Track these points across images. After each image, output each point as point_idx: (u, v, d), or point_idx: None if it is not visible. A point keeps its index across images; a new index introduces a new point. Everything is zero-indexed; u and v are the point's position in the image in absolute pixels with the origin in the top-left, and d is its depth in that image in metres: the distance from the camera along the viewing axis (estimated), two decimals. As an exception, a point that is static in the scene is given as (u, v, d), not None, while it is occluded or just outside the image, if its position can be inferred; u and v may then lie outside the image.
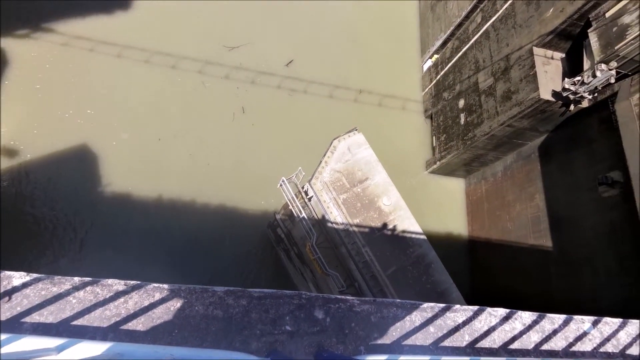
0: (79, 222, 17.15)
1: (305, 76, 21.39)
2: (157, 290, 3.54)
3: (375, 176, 13.03)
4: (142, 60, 20.01)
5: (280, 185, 13.46)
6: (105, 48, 19.83)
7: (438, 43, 22.30)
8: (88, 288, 3.20)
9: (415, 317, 4.04)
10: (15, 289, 3.01)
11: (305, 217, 13.27)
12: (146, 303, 3.42)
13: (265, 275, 18.00)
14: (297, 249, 15.75)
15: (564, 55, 15.99)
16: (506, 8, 17.23)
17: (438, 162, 20.64)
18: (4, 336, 2.59)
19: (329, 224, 12.62)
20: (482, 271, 19.46)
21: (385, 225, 12.25)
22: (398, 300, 4.13)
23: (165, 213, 17.75)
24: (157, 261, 17.18)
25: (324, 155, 12.92)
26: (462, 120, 19.48)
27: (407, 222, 12.33)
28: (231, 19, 21.84)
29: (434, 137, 21.64)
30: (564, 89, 14.36)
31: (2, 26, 18.95)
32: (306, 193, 13.28)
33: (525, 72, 15.85)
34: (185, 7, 21.48)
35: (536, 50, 15.67)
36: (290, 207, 13.66)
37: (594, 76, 13.22)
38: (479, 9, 19.34)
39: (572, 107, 15.05)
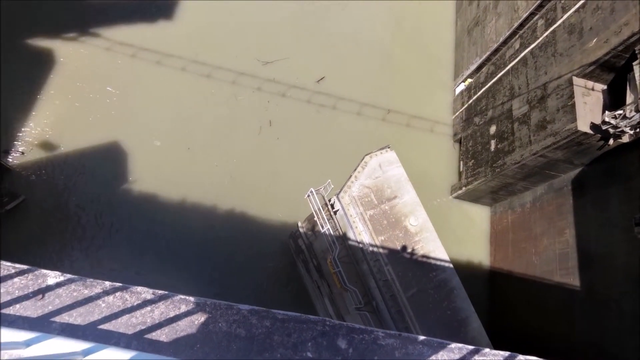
0: (102, 219, 17.54)
1: (335, 93, 21.56)
2: (183, 302, 3.56)
3: (404, 195, 12.86)
4: (179, 68, 20.58)
5: (308, 196, 13.42)
6: (146, 54, 20.56)
7: (472, 67, 22.17)
8: (117, 294, 3.25)
9: (442, 358, 3.84)
10: (49, 288, 3.07)
11: (330, 229, 13.15)
12: (171, 314, 3.45)
13: (282, 285, 17.90)
14: (317, 261, 15.58)
15: (605, 87, 15.60)
16: (547, 36, 17.03)
17: (464, 188, 20.28)
18: (33, 335, 2.65)
19: (353, 239, 12.46)
20: (501, 303, 18.81)
21: (410, 245, 12.00)
22: (425, 337, 3.96)
23: (188, 218, 17.99)
24: (176, 263, 17.31)
25: (355, 170, 12.85)
26: (493, 147, 19.16)
27: (432, 245, 12.06)
28: (268, 34, 22.32)
29: (461, 162, 21.34)
30: (604, 122, 13.95)
31: (53, 29, 20.11)
32: (332, 206, 13.19)
33: (563, 102, 15.52)
34: (225, 21, 22.12)
35: (576, 80, 15.35)
36: (315, 218, 13.57)
37: (637, 111, 12.83)
38: (517, 35, 19.19)
39: (611, 141, 14.58)
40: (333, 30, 23.19)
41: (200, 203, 18.28)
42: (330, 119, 21.02)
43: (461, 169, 21.16)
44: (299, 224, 16.42)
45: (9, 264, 3.09)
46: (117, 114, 19.21)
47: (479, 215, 20.95)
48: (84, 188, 17.77)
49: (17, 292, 2.96)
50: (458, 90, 23.05)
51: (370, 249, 12.01)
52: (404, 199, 12.95)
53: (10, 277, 3.01)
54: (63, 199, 17.52)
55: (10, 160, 17.58)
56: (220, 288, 17.12)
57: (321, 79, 21.67)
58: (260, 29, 22.30)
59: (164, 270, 17.11)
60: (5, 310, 2.86)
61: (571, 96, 15.17)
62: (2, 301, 2.94)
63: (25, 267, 3.10)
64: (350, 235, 12.66)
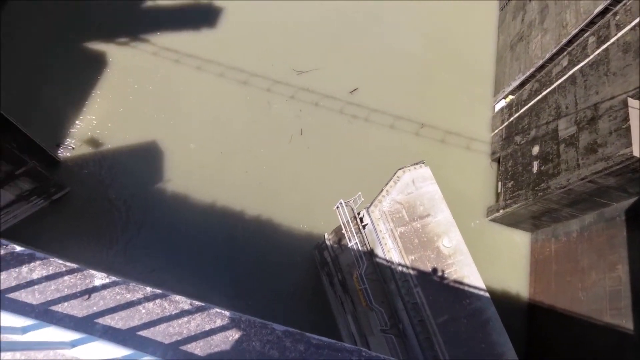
0: (136, 215, 17.86)
1: (368, 104, 21.14)
2: (218, 316, 3.55)
3: (437, 214, 12.15)
4: (218, 74, 20.81)
5: (337, 207, 12.92)
6: (188, 60, 21.06)
7: (515, 83, 21.20)
8: (157, 301, 3.28)
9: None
10: (95, 289, 3.11)
11: (357, 244, 12.57)
12: (207, 327, 3.47)
13: (303, 296, 17.43)
14: (342, 275, 14.99)
15: (663, 110, 14.40)
16: (598, 54, 16.00)
17: (502, 210, 19.16)
18: (78, 335, 2.76)
19: (381, 256, 11.83)
20: (540, 340, 17.32)
21: (442, 268, 11.24)
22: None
23: (216, 221, 17.99)
24: (202, 263, 17.27)
25: (386, 184, 12.28)
26: (535, 169, 18.06)
27: (466, 270, 11.25)
28: (305, 44, 22.29)
29: (499, 183, 20.25)
30: (663, 147, 12.81)
31: (107, 34, 21.14)
32: (361, 220, 12.65)
33: (616, 124, 14.42)
34: (265, 31, 22.31)
35: (631, 102, 14.24)
36: (343, 231, 13.05)
37: (703, 135, 11.66)
38: (565, 52, 18.19)
39: (670, 168, 13.37)
40: (369, 41, 22.92)
41: (229, 206, 18.20)
42: (362, 131, 20.56)
43: (499, 190, 20.09)
44: (326, 236, 15.93)
45: (60, 261, 3.16)
46: (157, 115, 19.67)
47: (518, 241, 19.72)
48: (122, 184, 18.33)
49: (66, 290, 3.04)
50: (498, 106, 22.08)
51: (399, 268, 11.34)
52: (437, 218, 12.24)
53: (61, 274, 3.09)
54: (103, 194, 18.17)
55: (60, 153, 18.53)
56: (242, 292, 16.91)
57: (354, 90, 21.32)
58: (297, 39, 22.33)
59: (190, 270, 17.11)
60: (53, 307, 2.97)
61: (626, 119, 14.06)
62: (52, 298, 3.02)
63: (74, 265, 3.17)
64: (379, 251, 12.04)
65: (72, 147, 18.76)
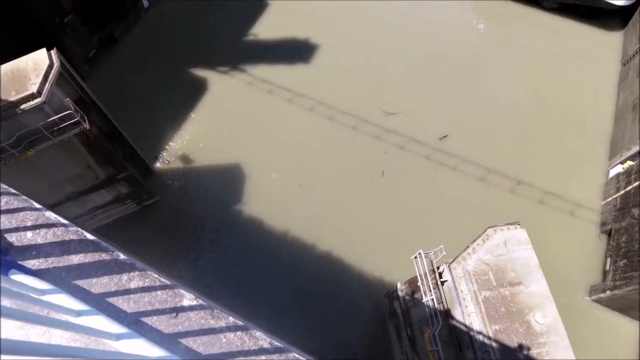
0: (211, 233, 18.56)
1: (458, 153, 20.20)
2: None
3: (531, 283, 10.95)
4: (307, 108, 21.46)
5: (415, 257, 12.24)
6: (280, 92, 22.07)
7: (636, 148, 18.97)
8: (238, 333, 3.21)
9: None
10: (182, 309, 3.10)
11: (433, 300, 11.70)
12: None
13: (367, 345, 16.53)
14: (411, 331, 13.99)
15: None
16: None
17: (609, 292, 16.73)
18: (163, 353, 2.83)
19: (460, 319, 10.84)
20: None
21: (531, 346, 9.97)
22: None
23: (287, 251, 18.03)
24: (266, 291, 17.29)
25: (473, 241, 11.41)
26: (653, 249, 15.72)
27: (561, 354, 9.86)
28: (396, 85, 22.21)
29: (608, 259, 17.85)
30: None
31: (210, 62, 23.03)
32: (441, 275, 11.81)
33: None
34: (356, 68, 22.70)
35: None
36: (419, 283, 12.26)
37: None
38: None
39: None
40: (466, 86, 22.18)
41: (302, 238, 18.21)
42: (449, 180, 19.62)
43: (607, 268, 17.67)
44: (398, 285, 15.12)
45: (155, 275, 3.23)
46: (245, 140, 20.62)
47: (627, 331, 16.97)
48: (204, 201, 19.30)
49: (157, 304, 3.09)
50: (613, 172, 19.80)
51: (480, 336, 10.26)
52: (530, 288, 11.01)
53: (155, 288, 3.15)
54: (186, 207, 19.25)
55: (156, 165, 20.16)
56: (304, 325, 16.53)
57: (444, 136, 20.59)
58: (389, 80, 22.37)
59: (254, 293, 17.21)
60: (144, 319, 3.03)
61: None
62: (144, 309, 3.08)
63: (168, 282, 3.21)
64: (457, 313, 11.06)
65: (166, 161, 20.32)
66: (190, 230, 18.70)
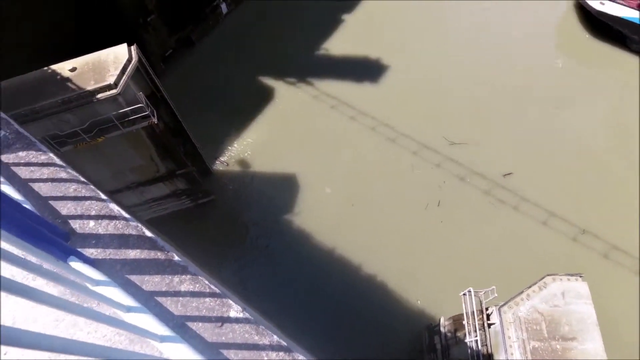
0: (259, 240, 18.79)
1: (521, 192, 19.12)
2: None
3: (586, 341, 10.04)
4: (369, 127, 21.30)
5: (464, 294, 11.63)
6: (344, 108, 22.09)
7: None
8: (281, 353, 3.07)
9: None
10: (228, 319, 3.02)
11: (477, 342, 11.02)
12: None
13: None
14: (449, 373, 13.26)
15: None
16: None
17: (671, 362, 15.14)
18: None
19: (504, 369, 10.11)
20: None
21: (583, 412, 9.07)
22: None
23: (330, 267, 17.82)
24: (304, 304, 17.15)
25: (529, 287, 10.67)
26: None
27: None
28: (464, 114, 21.55)
29: (674, 326, 16.13)
30: None
31: (279, 72, 23.60)
32: (489, 316, 11.12)
33: None
34: (424, 93, 22.28)
35: None
36: (464, 322, 11.62)
37: None
38: None
39: None
40: (537, 124, 20.99)
41: (347, 257, 17.95)
42: (508, 219, 18.58)
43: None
44: (441, 320, 14.43)
45: (206, 282, 3.18)
46: (303, 152, 20.80)
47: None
48: (257, 206, 19.66)
49: (204, 310, 3.04)
50: (689, 235, 17.99)
51: (526, 391, 9.50)
52: (584, 346, 10.10)
53: (204, 294, 3.10)
54: (238, 211, 19.68)
55: (216, 166, 20.79)
56: (337, 342, 16.16)
57: (508, 174, 19.60)
58: (457, 108, 21.74)
59: (292, 306, 17.10)
60: (189, 324, 2.98)
61: None
62: (190, 314, 3.03)
63: (217, 290, 3.16)
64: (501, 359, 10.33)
65: (226, 163, 20.88)
66: (238, 234, 19.05)
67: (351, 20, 25.68)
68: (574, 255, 17.53)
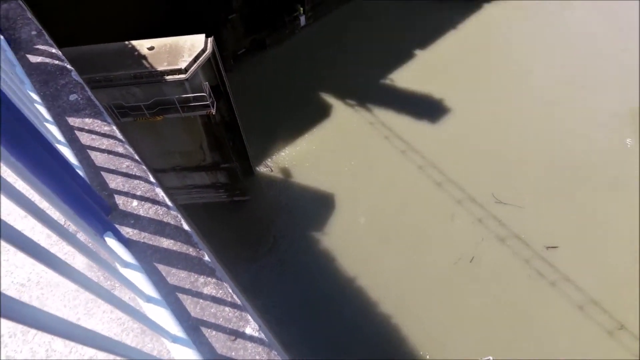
0: (281, 254, 18.66)
1: (563, 269, 18.02)
2: None
3: None
4: (417, 165, 20.92)
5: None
6: (396, 141, 21.87)
7: None
8: None
9: None
10: (243, 335, 2.86)
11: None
12: None
13: None
14: None
15: None
16: None
17: None
18: None
19: None
20: None
21: None
22: None
23: (346, 296, 17.46)
24: (313, 328, 16.82)
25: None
26: None
27: None
28: (518, 174, 20.73)
29: None
30: None
31: (341, 93, 23.76)
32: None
33: None
34: (483, 144, 21.68)
35: None
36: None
37: None
38: None
39: None
40: (594, 204, 19.79)
41: (366, 291, 17.51)
42: (542, 294, 17.51)
43: None
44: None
45: (230, 289, 3.07)
46: (347, 176, 20.72)
47: None
48: (288, 217, 19.66)
49: (221, 319, 2.92)
50: None
51: None
52: None
53: (225, 303, 2.98)
54: (269, 217, 19.75)
55: (259, 168, 21.06)
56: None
57: (553, 247, 18.55)
58: (513, 167, 20.94)
59: (298, 323, 16.83)
60: (203, 329, 2.85)
61: None
62: (207, 319, 2.90)
63: (238, 302, 3.03)
64: None
65: (270, 168, 21.09)
66: (263, 239, 19.10)
67: (423, 56, 25.60)
68: (607, 349, 16.23)
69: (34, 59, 4.35)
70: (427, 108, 23.10)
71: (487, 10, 27.91)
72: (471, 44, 26.00)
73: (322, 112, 23.02)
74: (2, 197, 1.54)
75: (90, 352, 2.65)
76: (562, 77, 24.33)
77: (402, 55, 25.46)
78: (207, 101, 14.29)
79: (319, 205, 19.76)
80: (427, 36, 26.29)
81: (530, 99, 23.47)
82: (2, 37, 4.38)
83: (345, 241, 18.69)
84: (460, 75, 24.55)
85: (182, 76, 13.54)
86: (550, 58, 25.21)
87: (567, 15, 27.38)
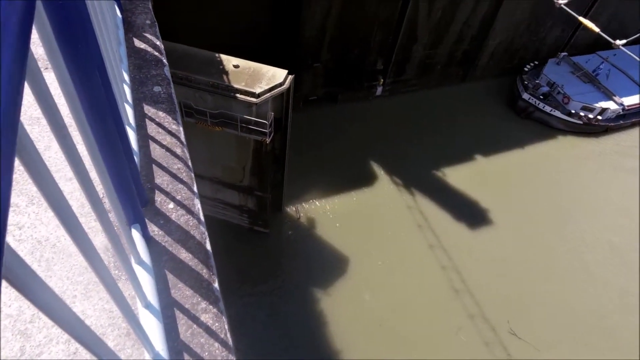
0: (283, 303, 18.15)
1: None
2: None
3: None
4: (441, 265, 20.30)
5: None
6: (429, 234, 21.41)
7: None
8: None
9: None
10: None
11: None
12: None
13: None
14: None
15: None
16: None
17: None
18: None
19: None
20: None
21: None
22: None
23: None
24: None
25: None
26: None
27: None
28: (543, 314, 19.54)
29: None
30: None
31: (391, 168, 23.85)
32: None
33: None
34: (512, 270, 20.81)
35: None
36: None
37: None
38: None
39: None
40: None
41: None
42: None
43: None
44: None
45: (226, 326, 2.95)
46: (368, 247, 20.34)
47: None
48: (298, 264, 19.38)
49: (206, 354, 2.75)
50: None
51: None
52: None
53: (216, 338, 2.83)
54: (281, 258, 19.60)
55: (289, 208, 21.08)
56: None
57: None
58: (537, 303, 19.83)
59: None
60: (186, 355, 2.70)
61: None
62: (193, 348, 2.76)
63: (230, 343, 2.86)
64: None
65: (298, 212, 21.06)
66: (267, 276, 18.75)
67: (482, 163, 25.50)
68: None
69: (138, 44, 4.65)
70: (469, 213, 22.66)
71: (560, 141, 27.76)
72: (532, 169, 25.70)
73: (366, 180, 23.08)
74: (66, 157, 1.56)
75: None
76: (604, 239, 23.14)
77: (462, 155, 25.45)
78: (266, 129, 14.76)
79: (330, 266, 19.36)
80: (492, 145, 26.27)
81: (574, 249, 22.48)
82: (120, 16, 4.75)
83: (344, 310, 18.09)
84: (512, 195, 24.12)
85: (253, 99, 14.12)
86: (605, 217, 24.18)
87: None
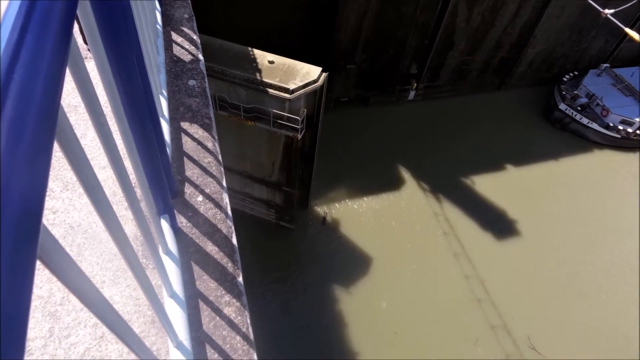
0: (299, 306, 18.19)
1: None
2: None
3: None
4: (464, 275, 19.89)
5: None
6: (454, 242, 20.97)
7: None
8: None
9: None
10: None
11: None
12: None
13: None
14: None
15: None
16: None
17: None
18: None
19: None
20: None
21: None
22: None
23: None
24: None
25: None
26: None
27: None
28: (565, 330, 18.85)
29: None
30: None
31: (418, 173, 23.40)
32: None
33: None
34: (539, 281, 20.25)
35: None
36: None
37: None
38: None
39: None
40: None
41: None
42: None
43: None
44: None
45: (248, 320, 2.90)
46: (390, 255, 20.08)
47: None
48: (320, 262, 19.38)
49: (228, 347, 2.75)
50: None
51: None
52: None
53: (238, 331, 2.81)
54: (303, 253, 19.62)
55: (315, 206, 21.07)
56: None
57: None
58: (561, 321, 19.11)
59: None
60: (207, 347, 2.71)
61: None
62: (214, 340, 2.77)
63: (251, 337, 2.87)
64: None
65: (325, 211, 21.02)
66: (284, 270, 18.80)
67: (513, 173, 24.78)
68: None
69: (175, 37, 4.72)
70: (496, 222, 22.07)
71: (595, 155, 26.68)
72: (564, 182, 24.76)
73: (393, 184, 22.82)
74: (102, 145, 1.58)
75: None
76: (635, 261, 21.94)
77: (493, 164, 24.77)
78: (298, 125, 14.81)
79: (351, 268, 19.27)
80: (524, 155, 25.49)
81: (603, 269, 21.51)
82: (159, 8, 4.83)
83: (360, 313, 17.95)
84: (541, 207, 23.31)
85: (287, 95, 14.19)
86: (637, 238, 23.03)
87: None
